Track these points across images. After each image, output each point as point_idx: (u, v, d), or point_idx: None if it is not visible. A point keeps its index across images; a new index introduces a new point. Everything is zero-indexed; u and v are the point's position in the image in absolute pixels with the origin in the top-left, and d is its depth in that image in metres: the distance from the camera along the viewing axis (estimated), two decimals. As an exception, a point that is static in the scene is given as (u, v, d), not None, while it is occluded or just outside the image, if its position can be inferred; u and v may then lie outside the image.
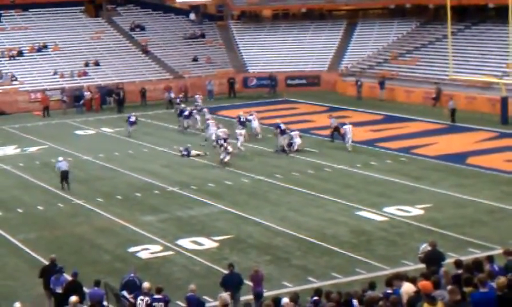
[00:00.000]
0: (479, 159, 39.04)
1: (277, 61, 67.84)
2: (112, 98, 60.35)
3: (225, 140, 40.60)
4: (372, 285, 17.20)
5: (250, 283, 21.70)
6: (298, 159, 40.78)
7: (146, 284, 19.73)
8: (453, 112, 49.56)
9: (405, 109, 53.68)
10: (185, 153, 42.10)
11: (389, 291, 16.40)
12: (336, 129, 44.52)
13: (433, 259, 19.89)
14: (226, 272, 21.90)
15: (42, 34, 68.68)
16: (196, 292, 19.61)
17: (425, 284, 14.82)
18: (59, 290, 21.14)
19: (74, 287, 20.51)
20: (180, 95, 58.12)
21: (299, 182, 35.96)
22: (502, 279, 14.25)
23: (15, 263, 26.93)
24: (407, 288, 15.81)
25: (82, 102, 59.37)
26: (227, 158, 39.67)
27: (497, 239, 26.64)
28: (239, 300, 20.94)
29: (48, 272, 22.04)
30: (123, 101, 59.53)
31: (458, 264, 17.30)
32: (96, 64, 65.45)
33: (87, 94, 59.77)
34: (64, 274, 21.65)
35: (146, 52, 68.52)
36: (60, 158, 37.92)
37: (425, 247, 21.04)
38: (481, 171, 37.03)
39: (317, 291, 17.62)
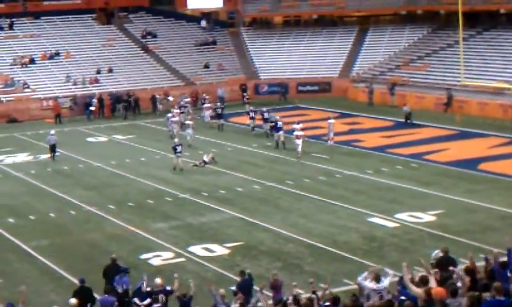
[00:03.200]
0: (490, 165, 38.95)
1: (288, 68, 67.90)
2: (121, 106, 60.35)
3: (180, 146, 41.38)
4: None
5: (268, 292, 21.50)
6: (309, 165, 40.76)
7: (158, 281, 19.90)
8: (408, 115, 51.18)
9: (416, 115, 53.53)
10: (202, 164, 41.79)
11: (402, 297, 16.36)
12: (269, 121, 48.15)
13: (445, 265, 19.81)
14: (238, 278, 21.83)
15: (54, 42, 68.94)
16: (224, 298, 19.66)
17: (438, 290, 14.75)
18: (120, 290, 21.23)
19: (83, 293, 20.61)
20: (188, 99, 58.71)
21: (310, 188, 35.93)
22: None
23: (27, 270, 26.97)
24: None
25: (90, 108, 59.39)
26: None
27: (509, 245, 26.47)
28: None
29: (110, 271, 22.22)
30: (134, 108, 59.74)
31: (469, 271, 17.26)
32: (109, 71, 65.63)
33: (94, 101, 59.86)
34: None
35: (146, 50, 69.01)
36: (52, 132, 46.09)
37: (437, 253, 20.98)
38: (493, 176, 36.92)
39: (334, 299, 17.46)
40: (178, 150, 40.72)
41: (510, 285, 15.12)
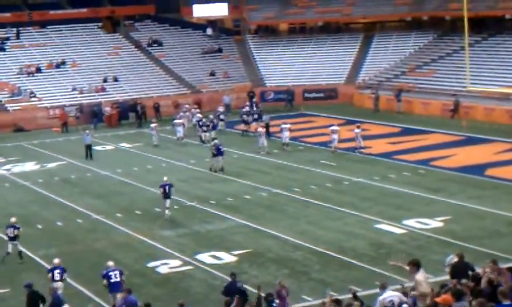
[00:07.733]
0: (497, 171, 38.89)
1: (294, 75, 67.93)
2: (135, 114, 60.38)
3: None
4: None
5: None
6: (316, 172, 40.77)
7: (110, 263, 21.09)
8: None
9: (423, 121, 53.55)
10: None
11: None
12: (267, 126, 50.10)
13: (460, 271, 19.20)
14: (243, 285, 21.93)
15: (60, 51, 69.10)
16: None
17: (446, 298, 14.65)
18: None
19: (34, 297, 21.71)
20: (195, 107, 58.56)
21: (317, 195, 35.93)
22: None
23: (34, 279, 26.96)
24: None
25: (98, 117, 59.52)
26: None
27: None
28: None
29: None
30: (140, 116, 59.79)
31: (476, 277, 17.13)
32: (115, 79, 65.75)
33: (107, 110, 60.09)
34: None
35: (140, 47, 69.29)
36: (87, 131, 48.22)
37: (451, 258, 20.18)
38: (500, 182, 36.88)
39: (336, 301, 17.47)
40: (221, 150, 41.96)
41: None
